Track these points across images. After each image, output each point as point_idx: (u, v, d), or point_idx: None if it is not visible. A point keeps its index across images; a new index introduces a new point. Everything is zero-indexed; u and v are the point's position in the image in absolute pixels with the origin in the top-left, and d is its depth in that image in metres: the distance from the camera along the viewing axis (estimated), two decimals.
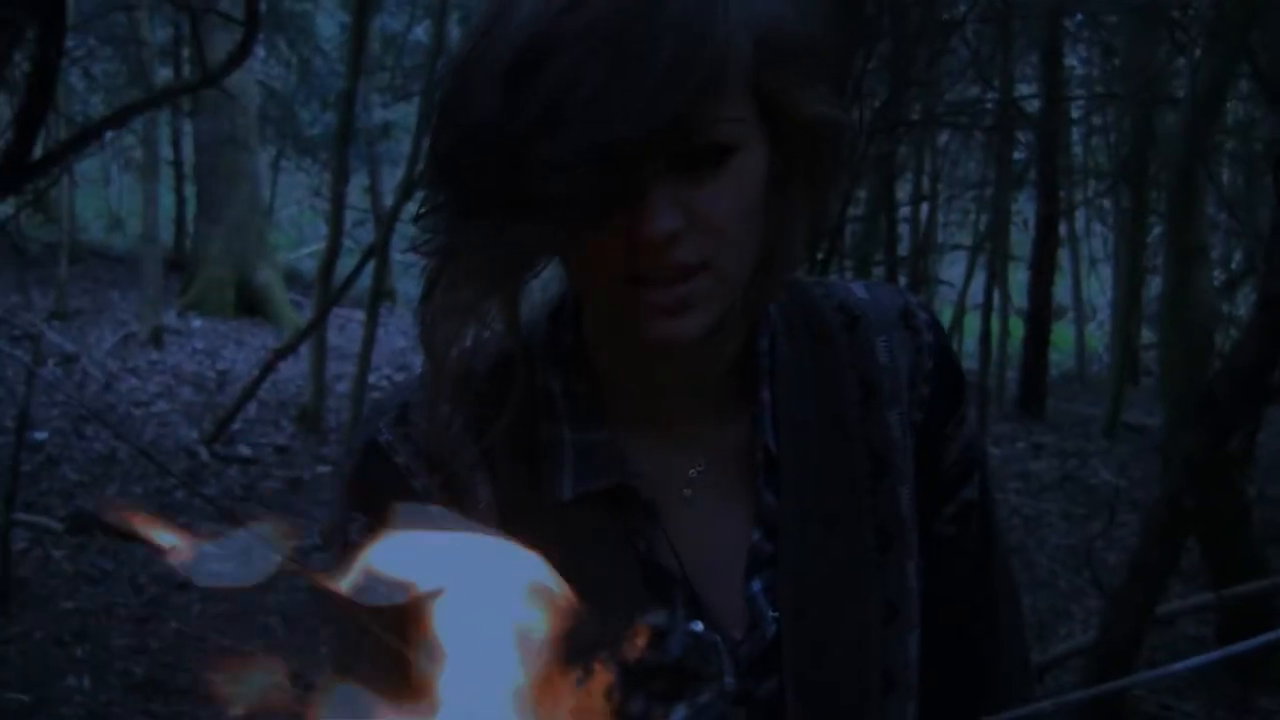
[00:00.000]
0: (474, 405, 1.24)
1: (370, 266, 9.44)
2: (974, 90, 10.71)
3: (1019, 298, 15.54)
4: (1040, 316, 14.10)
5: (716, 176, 1.10)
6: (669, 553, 1.24)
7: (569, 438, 1.24)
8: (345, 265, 10.32)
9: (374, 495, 1.22)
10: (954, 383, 1.34)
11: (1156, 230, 13.17)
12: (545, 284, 1.27)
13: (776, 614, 1.24)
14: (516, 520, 1.22)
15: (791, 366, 1.28)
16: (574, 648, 0.72)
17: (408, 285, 18.41)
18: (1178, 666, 0.86)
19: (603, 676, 0.73)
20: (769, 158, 1.14)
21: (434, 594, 0.71)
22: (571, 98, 1.02)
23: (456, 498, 1.24)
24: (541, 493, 1.24)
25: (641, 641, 0.77)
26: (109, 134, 14.16)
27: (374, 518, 1.25)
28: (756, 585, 1.25)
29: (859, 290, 1.35)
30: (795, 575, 1.25)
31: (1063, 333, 18.96)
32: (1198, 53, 7.51)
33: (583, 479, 1.23)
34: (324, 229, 14.08)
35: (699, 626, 1.22)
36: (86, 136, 5.96)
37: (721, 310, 1.15)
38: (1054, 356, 15.75)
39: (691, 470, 1.27)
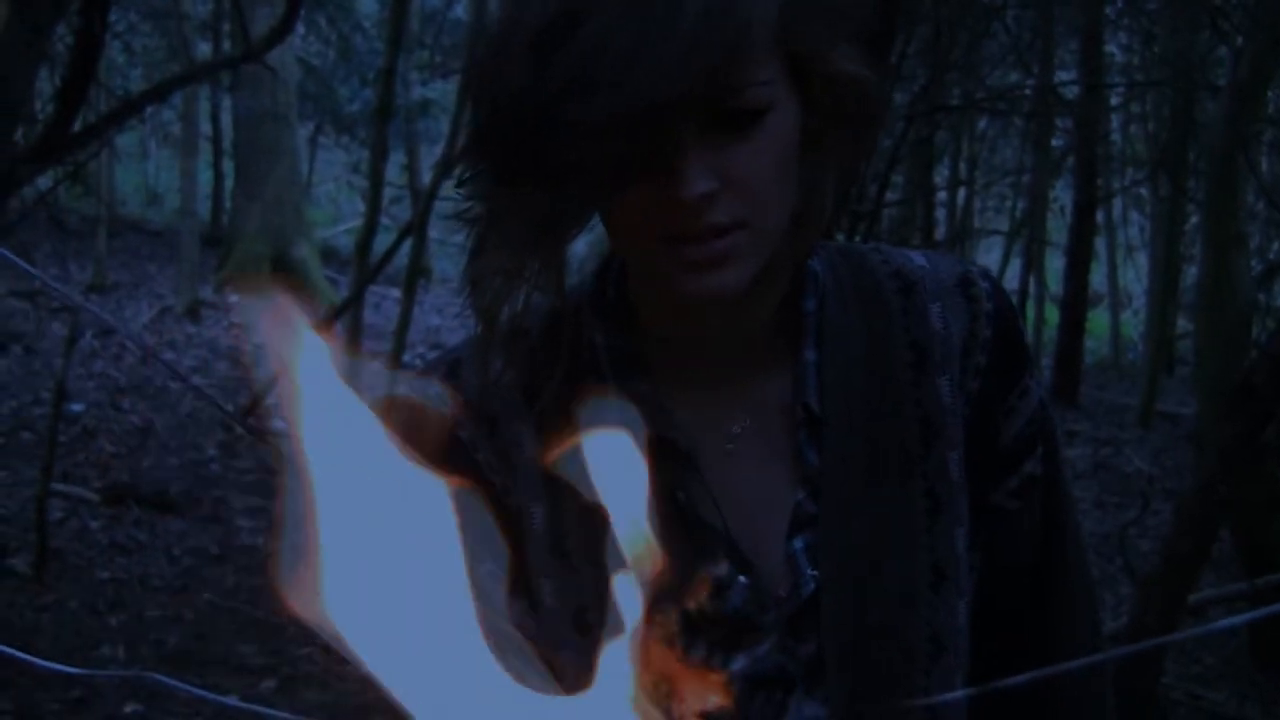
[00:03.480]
0: (525, 362, 1.27)
1: (407, 244, 9.44)
2: (1013, 76, 10.68)
3: (1055, 284, 15.53)
4: (1076, 303, 14.05)
5: (748, 138, 1.11)
6: (711, 506, 1.25)
7: (612, 391, 1.26)
8: (382, 242, 10.33)
9: (419, 443, 1.25)
10: (1014, 353, 1.33)
11: (1194, 218, 13.12)
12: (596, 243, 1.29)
13: (815, 573, 1.25)
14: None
15: (840, 328, 1.28)
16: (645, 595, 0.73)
17: (444, 263, 18.46)
18: (1221, 624, 0.86)
19: (667, 624, 0.74)
20: (800, 116, 1.16)
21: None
22: (601, 63, 1.04)
23: (502, 449, 1.28)
24: None
25: (704, 591, 0.78)
26: (148, 108, 14.21)
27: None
28: (798, 544, 1.26)
29: (918, 258, 1.35)
30: (836, 535, 1.25)
31: (1098, 320, 18.91)
32: (1239, 40, 7.47)
33: None
34: (361, 206, 14.12)
35: (744, 580, 1.23)
36: (126, 110, 5.99)
37: (758, 265, 1.16)
38: (1089, 344, 15.72)
39: (735, 426, 1.28)
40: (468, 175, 1.18)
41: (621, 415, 0.78)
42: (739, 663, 1.22)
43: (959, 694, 1.28)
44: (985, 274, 1.35)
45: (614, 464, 0.71)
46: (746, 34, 1.07)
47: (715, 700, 0.75)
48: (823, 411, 1.27)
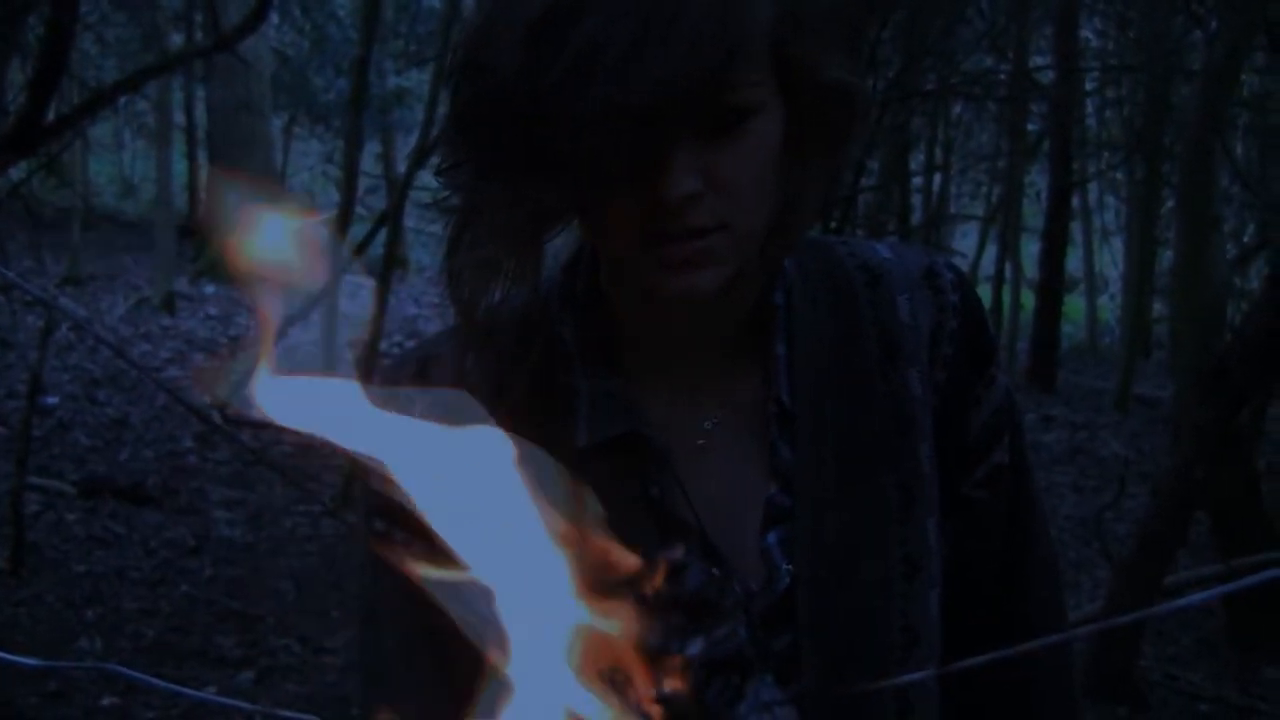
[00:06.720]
0: (496, 359, 1.25)
1: (383, 234, 9.44)
2: (988, 61, 10.69)
3: (1031, 269, 15.55)
4: (1052, 288, 14.07)
5: (735, 139, 1.11)
6: (683, 502, 1.24)
7: (584, 387, 1.25)
8: (358, 232, 10.33)
9: None
10: (980, 344, 1.33)
11: (1169, 202, 13.15)
12: (565, 239, 1.27)
13: (790, 566, 1.24)
14: None
15: (809, 322, 1.28)
16: (595, 581, 0.73)
17: (420, 253, 18.43)
18: (1191, 599, 0.87)
19: (622, 609, 0.73)
20: (785, 123, 1.15)
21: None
22: (599, 58, 1.02)
23: None
24: (557, 441, 1.24)
25: (660, 575, 0.78)
26: (122, 99, 14.15)
27: None
28: (772, 538, 1.25)
29: (883, 250, 1.35)
30: (810, 529, 1.25)
31: (1074, 305, 18.96)
32: (1213, 25, 7.49)
33: (597, 427, 1.24)
34: (336, 196, 14.08)
35: (714, 573, 1.22)
36: (100, 101, 5.96)
37: (736, 268, 1.16)
38: (1065, 328, 15.74)
39: (706, 422, 1.28)
40: (447, 165, 1.16)
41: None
42: (695, 646, 1.22)
43: (922, 675, 1.27)
44: (949, 265, 1.34)
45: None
46: (745, 38, 1.06)
47: (672, 684, 0.74)
48: (794, 405, 1.26)
